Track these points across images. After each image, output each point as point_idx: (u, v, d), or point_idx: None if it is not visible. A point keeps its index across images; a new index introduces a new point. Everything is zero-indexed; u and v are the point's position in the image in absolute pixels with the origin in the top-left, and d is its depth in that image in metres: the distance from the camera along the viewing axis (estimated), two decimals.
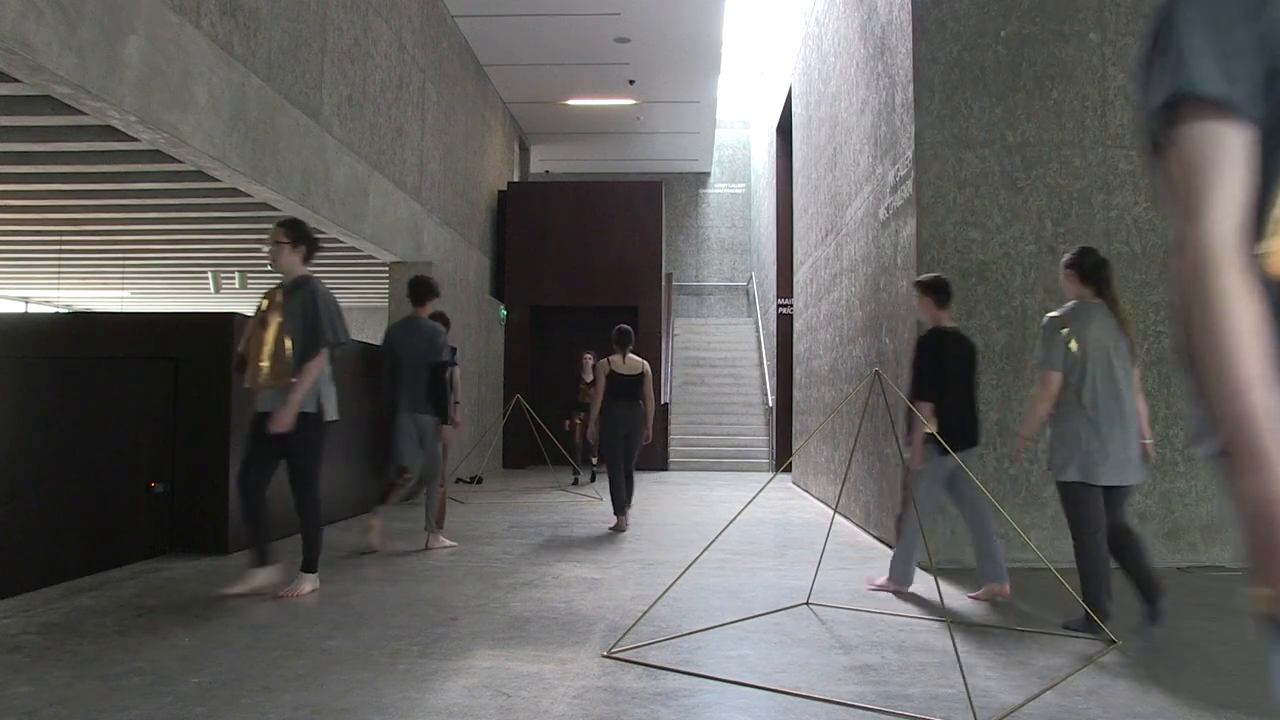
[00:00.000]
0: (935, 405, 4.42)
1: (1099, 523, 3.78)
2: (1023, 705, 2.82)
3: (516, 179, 15.71)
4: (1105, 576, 3.80)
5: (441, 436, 5.98)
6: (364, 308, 19.00)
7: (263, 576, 4.47)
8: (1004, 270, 5.48)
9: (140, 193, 7.99)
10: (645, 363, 7.15)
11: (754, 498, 6.29)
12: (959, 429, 4.47)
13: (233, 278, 13.16)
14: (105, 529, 5.07)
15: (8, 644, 3.41)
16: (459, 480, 10.82)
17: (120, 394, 5.35)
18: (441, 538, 5.94)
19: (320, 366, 4.41)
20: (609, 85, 13.91)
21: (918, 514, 4.21)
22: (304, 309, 4.42)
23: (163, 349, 5.69)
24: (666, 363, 14.56)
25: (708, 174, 20.04)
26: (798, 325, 11.26)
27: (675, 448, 13.91)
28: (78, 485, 4.86)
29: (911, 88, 5.60)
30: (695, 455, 13.82)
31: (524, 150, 16.63)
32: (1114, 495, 3.83)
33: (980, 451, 5.38)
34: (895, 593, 4.67)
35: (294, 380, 4.33)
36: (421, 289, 6.11)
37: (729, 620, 3.95)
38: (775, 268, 14.46)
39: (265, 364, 4.35)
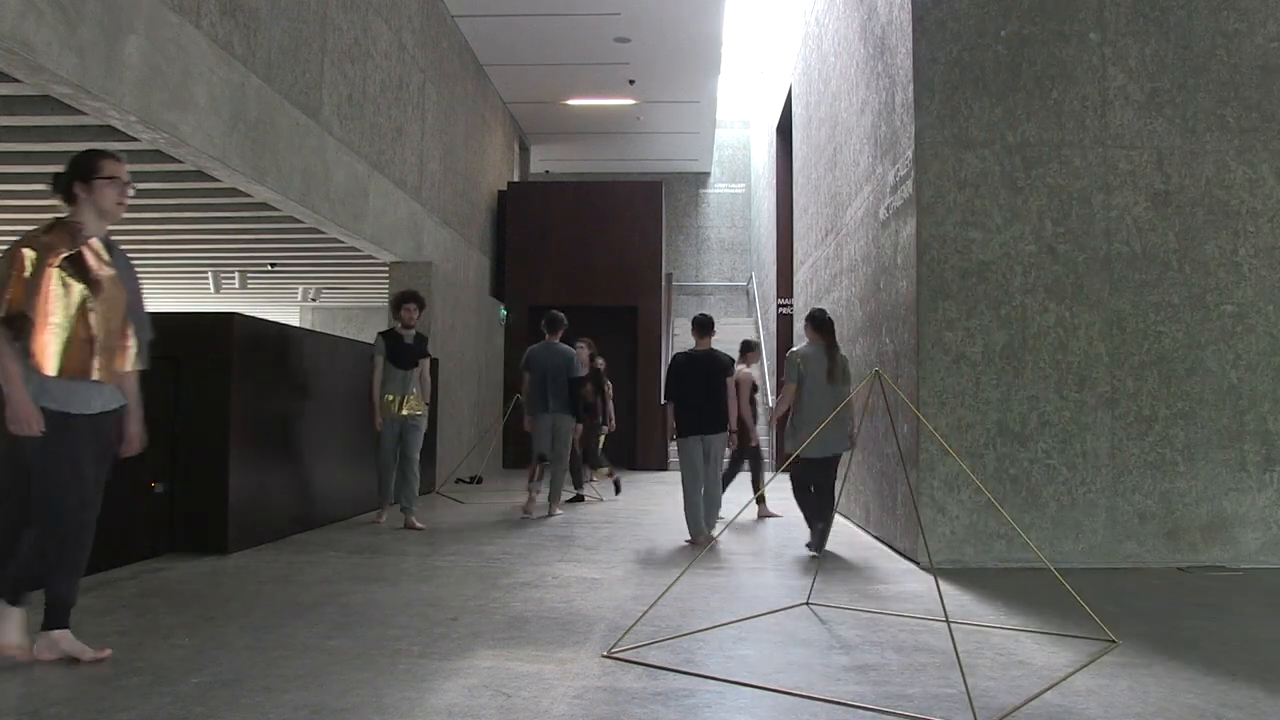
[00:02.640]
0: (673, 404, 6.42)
1: (810, 480, 5.93)
2: (1023, 705, 2.82)
3: (516, 179, 15.71)
4: (813, 513, 5.90)
5: (575, 432, 7.90)
6: (364, 308, 18.99)
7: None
8: (1004, 270, 5.48)
9: (140, 193, 7.96)
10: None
11: (754, 497, 6.26)
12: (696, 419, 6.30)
13: (233, 278, 13.16)
14: (105, 529, 5.06)
15: None
16: (459, 480, 10.82)
17: None
18: (557, 510, 7.87)
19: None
20: (609, 85, 13.91)
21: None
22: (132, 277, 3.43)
23: (163, 349, 5.67)
24: (667, 363, 14.54)
25: (708, 174, 20.04)
26: (798, 325, 11.26)
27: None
28: None
29: (911, 88, 5.60)
30: None
31: (524, 150, 16.63)
32: (824, 462, 5.81)
33: (980, 451, 5.39)
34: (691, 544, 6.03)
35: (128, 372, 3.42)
36: (555, 322, 7.80)
37: (729, 620, 3.95)
38: (775, 268, 14.47)
39: (114, 347, 3.28)
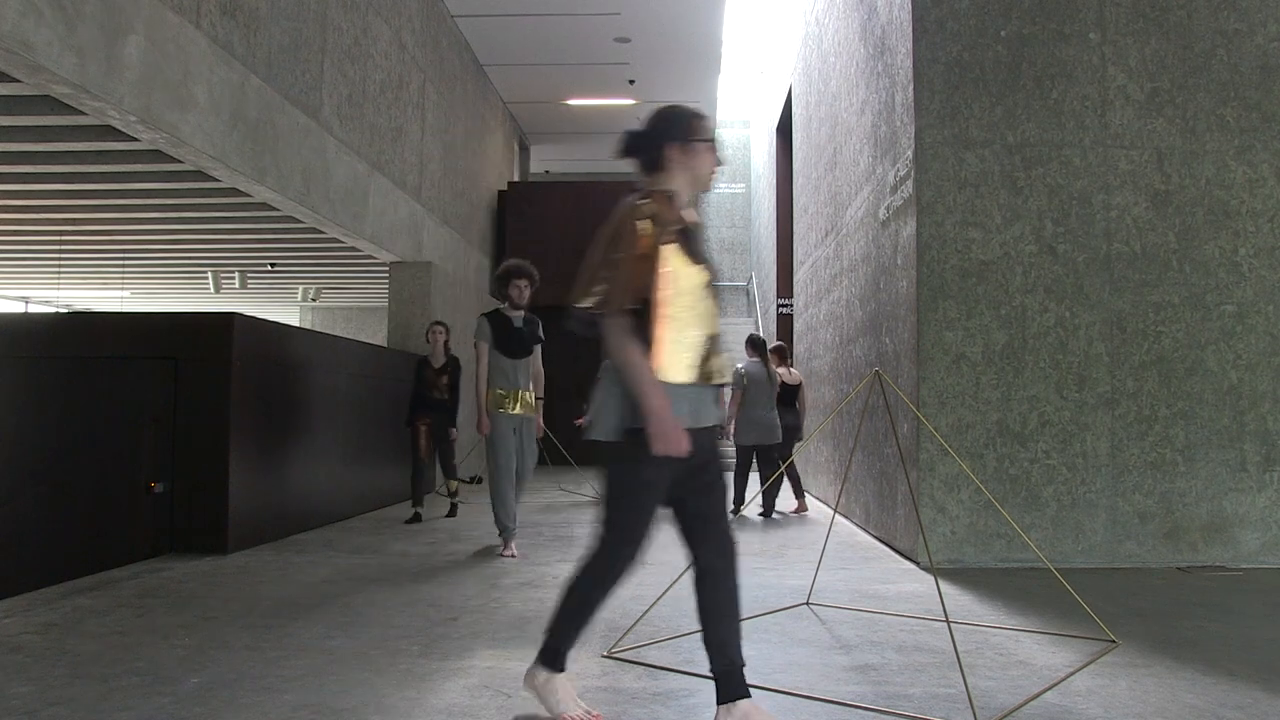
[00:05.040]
0: None
1: (752, 460, 7.90)
2: (1023, 705, 2.82)
3: (516, 179, 15.71)
4: (741, 489, 7.84)
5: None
6: (364, 308, 18.99)
7: None
8: (1004, 270, 5.47)
9: (140, 193, 7.99)
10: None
11: (754, 497, 6.27)
12: None
13: (233, 278, 13.16)
14: (105, 529, 5.07)
15: (8, 644, 3.41)
16: (459, 480, 10.82)
17: (120, 394, 5.35)
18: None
19: None
20: (609, 85, 13.91)
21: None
22: None
23: (163, 349, 5.69)
24: None
25: None
26: (798, 325, 11.26)
27: None
28: (78, 485, 4.86)
29: (911, 88, 5.60)
30: None
31: (524, 150, 16.62)
32: (767, 450, 7.79)
33: (980, 451, 5.39)
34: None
35: None
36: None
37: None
38: (775, 268, 14.46)
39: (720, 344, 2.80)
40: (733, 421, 7.81)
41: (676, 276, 2.44)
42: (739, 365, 7.90)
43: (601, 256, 2.44)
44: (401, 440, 8.07)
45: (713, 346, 2.51)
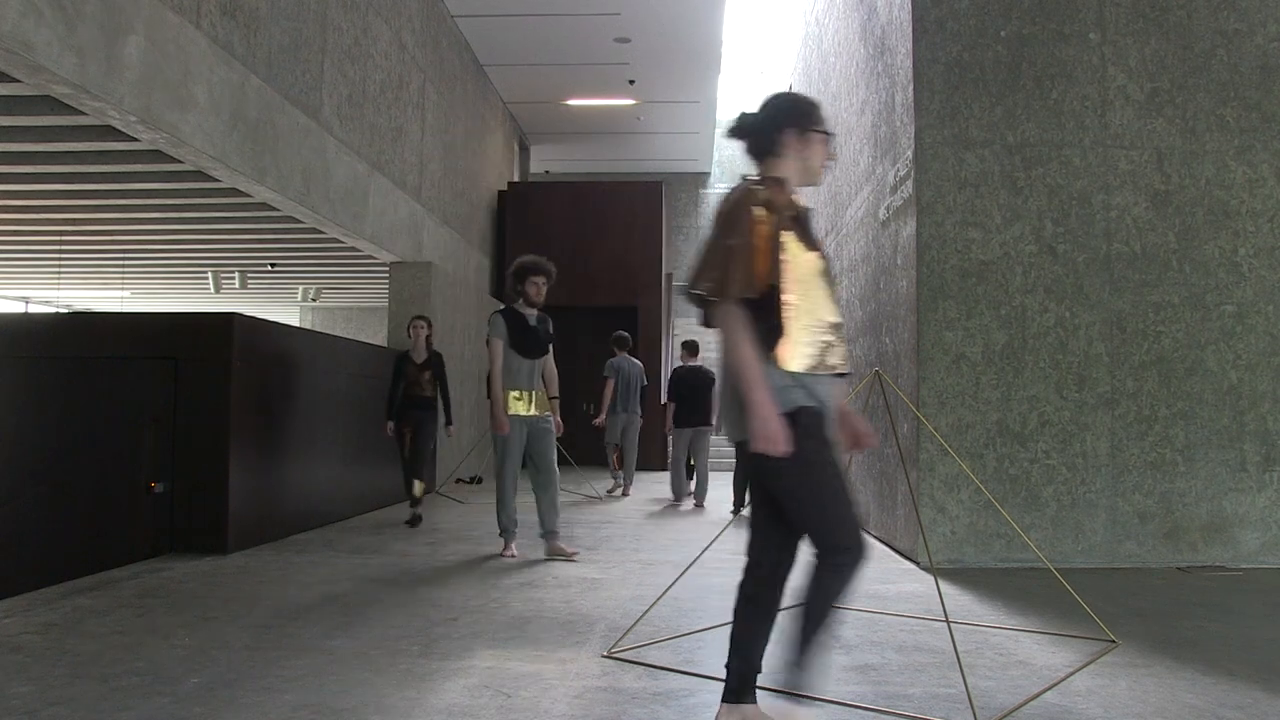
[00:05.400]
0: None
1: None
2: (1023, 705, 2.82)
3: (516, 179, 15.71)
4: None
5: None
6: (364, 308, 18.99)
7: None
8: (1004, 270, 5.47)
9: (140, 193, 7.99)
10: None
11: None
12: None
13: (233, 278, 13.16)
14: (105, 529, 5.07)
15: (8, 644, 3.41)
16: (458, 480, 10.82)
17: (120, 394, 5.35)
18: (630, 490, 9.90)
19: None
20: (609, 85, 13.91)
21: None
22: None
23: (163, 349, 5.69)
24: (667, 363, 14.55)
25: (708, 174, 20.04)
26: None
27: None
28: (78, 485, 4.86)
29: (911, 88, 5.60)
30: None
31: (524, 150, 16.63)
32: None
33: (980, 451, 5.39)
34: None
35: None
36: (622, 341, 9.72)
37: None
38: None
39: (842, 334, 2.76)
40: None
41: (795, 263, 2.37)
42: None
43: (715, 241, 2.36)
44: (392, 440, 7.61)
45: (835, 334, 2.43)
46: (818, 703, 2.83)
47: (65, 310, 17.10)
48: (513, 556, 5.54)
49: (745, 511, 8.26)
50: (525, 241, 13.90)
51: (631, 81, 13.71)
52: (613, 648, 3.43)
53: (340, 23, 7.87)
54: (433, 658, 3.31)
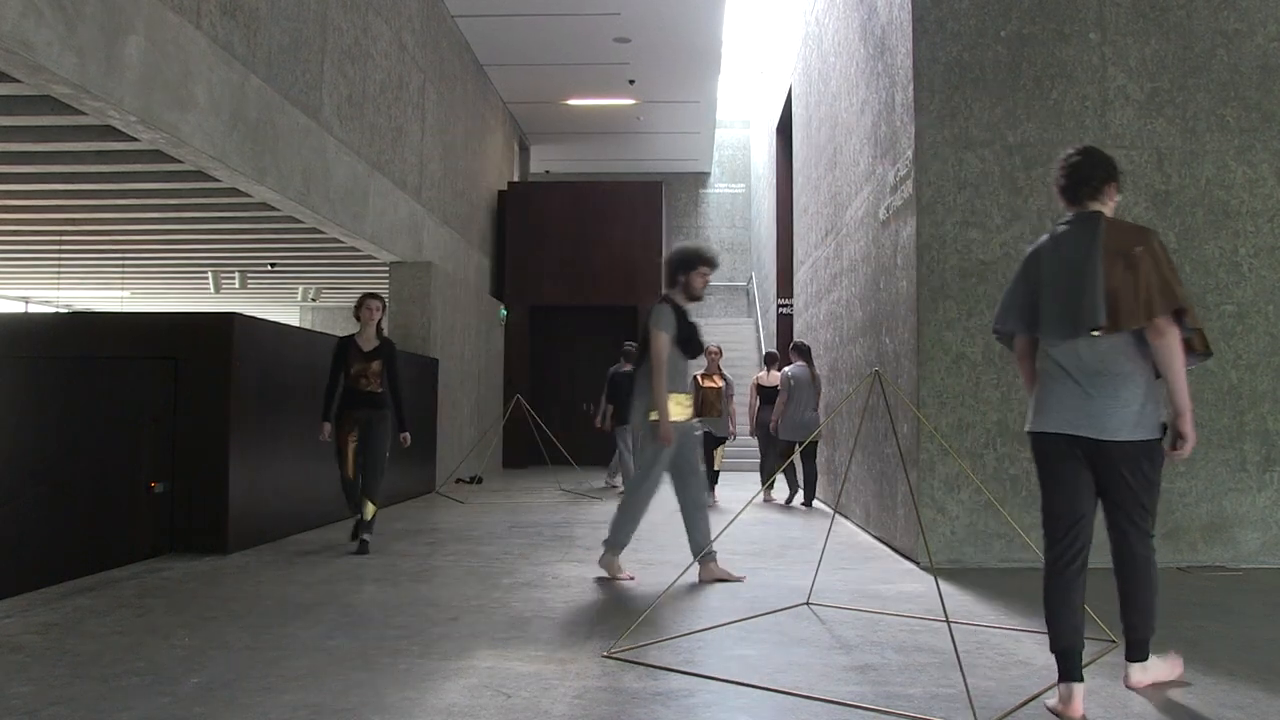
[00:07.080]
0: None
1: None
2: (1023, 705, 2.82)
3: (516, 179, 15.71)
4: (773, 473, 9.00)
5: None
6: None
7: None
8: (1004, 270, 5.47)
9: (140, 193, 7.98)
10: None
11: (754, 498, 6.27)
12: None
13: (233, 278, 13.16)
14: (105, 529, 5.07)
15: (8, 644, 3.41)
16: (459, 480, 10.82)
17: (120, 394, 5.35)
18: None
19: None
20: (609, 85, 13.91)
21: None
22: None
23: (163, 349, 5.69)
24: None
25: (708, 174, 20.04)
26: (798, 325, 11.25)
27: None
28: (78, 485, 4.86)
29: (911, 88, 5.60)
30: None
31: (524, 150, 16.63)
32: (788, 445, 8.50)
33: (980, 451, 5.39)
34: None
35: None
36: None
37: (729, 620, 3.95)
38: (775, 268, 14.46)
39: None
40: (777, 419, 8.77)
41: None
42: (787, 369, 8.83)
43: (1167, 272, 2.81)
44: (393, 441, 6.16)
45: None
46: (818, 702, 2.83)
47: (65, 310, 17.09)
48: (631, 579, 4.88)
49: (774, 494, 8.89)
50: (525, 241, 13.92)
51: (631, 81, 13.71)
52: (613, 648, 3.43)
53: (340, 23, 7.87)
54: (433, 658, 3.31)
